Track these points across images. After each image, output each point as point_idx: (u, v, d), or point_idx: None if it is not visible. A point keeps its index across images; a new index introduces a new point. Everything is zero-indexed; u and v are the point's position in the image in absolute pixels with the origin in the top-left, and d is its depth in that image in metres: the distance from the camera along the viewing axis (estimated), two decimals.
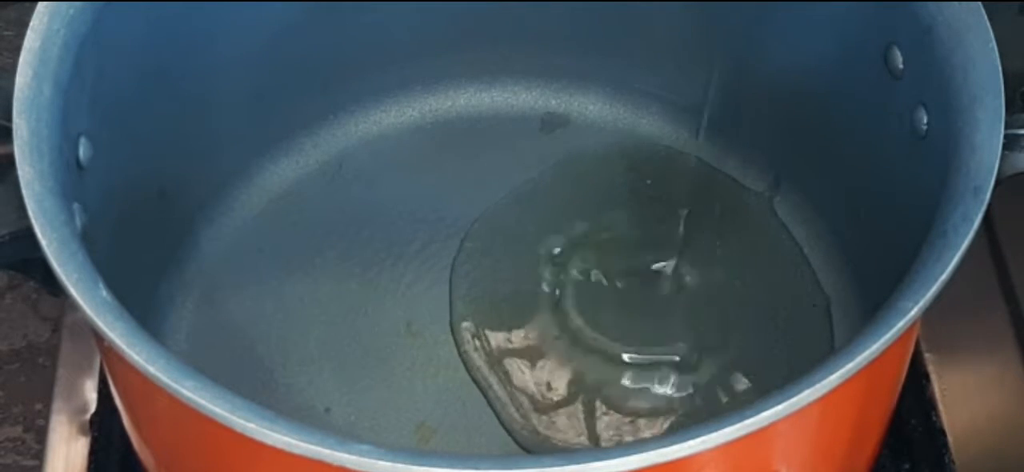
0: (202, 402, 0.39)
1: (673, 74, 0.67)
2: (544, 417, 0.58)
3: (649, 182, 0.66)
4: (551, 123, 0.69)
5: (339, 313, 0.61)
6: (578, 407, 0.58)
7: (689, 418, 0.58)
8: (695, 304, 0.61)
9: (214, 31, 0.59)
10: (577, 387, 0.59)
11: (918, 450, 0.58)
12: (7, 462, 0.66)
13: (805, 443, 0.44)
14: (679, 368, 0.59)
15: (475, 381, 0.59)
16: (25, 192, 0.44)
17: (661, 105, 0.68)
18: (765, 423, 0.39)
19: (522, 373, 0.59)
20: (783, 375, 0.54)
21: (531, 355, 0.60)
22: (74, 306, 0.42)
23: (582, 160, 0.67)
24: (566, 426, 0.58)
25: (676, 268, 0.62)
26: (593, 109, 0.69)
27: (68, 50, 0.48)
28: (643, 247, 0.63)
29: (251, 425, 0.38)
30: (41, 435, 0.62)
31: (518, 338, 0.60)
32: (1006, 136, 0.46)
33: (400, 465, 0.37)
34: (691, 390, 0.58)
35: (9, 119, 0.46)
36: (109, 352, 0.43)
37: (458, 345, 0.60)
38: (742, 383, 0.58)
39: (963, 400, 0.60)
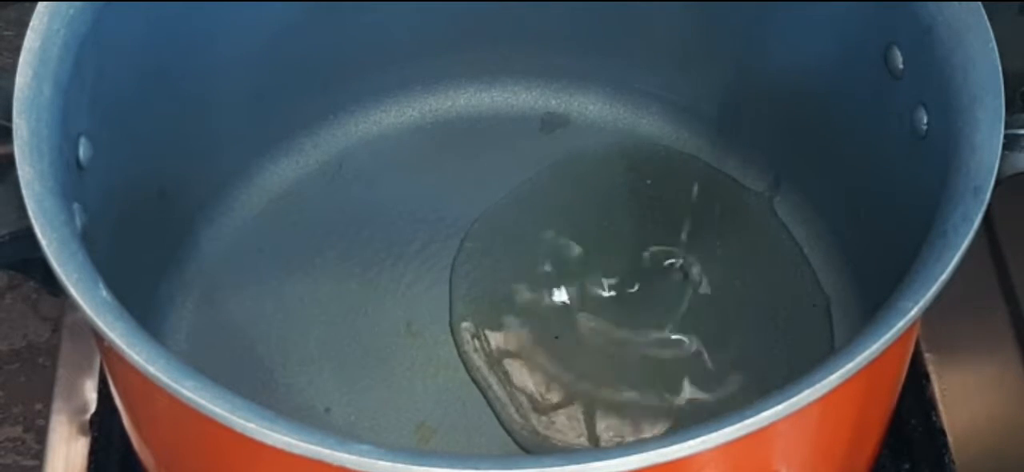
0: (202, 402, 0.39)
1: (673, 74, 0.67)
2: (544, 417, 0.58)
3: (649, 182, 0.66)
4: (551, 123, 0.69)
5: (339, 313, 0.61)
6: (578, 407, 0.58)
7: (689, 418, 0.58)
8: (695, 304, 0.61)
9: (214, 31, 0.59)
10: (577, 387, 0.59)
11: (918, 450, 0.58)
12: (7, 462, 0.66)
13: (805, 443, 0.44)
14: (679, 368, 0.59)
15: (475, 381, 0.59)
16: (25, 192, 0.44)
17: (661, 105, 0.68)
18: (765, 423, 0.39)
19: (522, 373, 0.59)
20: (783, 375, 0.54)
21: (531, 355, 0.60)
22: (74, 306, 0.42)
23: (582, 160, 0.67)
24: (566, 426, 0.58)
25: (676, 268, 0.62)
26: (593, 109, 0.69)
27: (68, 50, 0.48)
28: (643, 247, 0.63)
29: (251, 425, 0.38)
30: (41, 435, 0.62)
31: (518, 338, 0.60)
32: (1006, 136, 0.46)
33: (400, 465, 0.37)
34: (691, 390, 0.58)
35: (9, 119, 0.46)
36: (109, 352, 0.43)
37: (458, 345, 0.60)
38: (742, 383, 0.58)
39: (963, 400, 0.60)
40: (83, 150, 0.50)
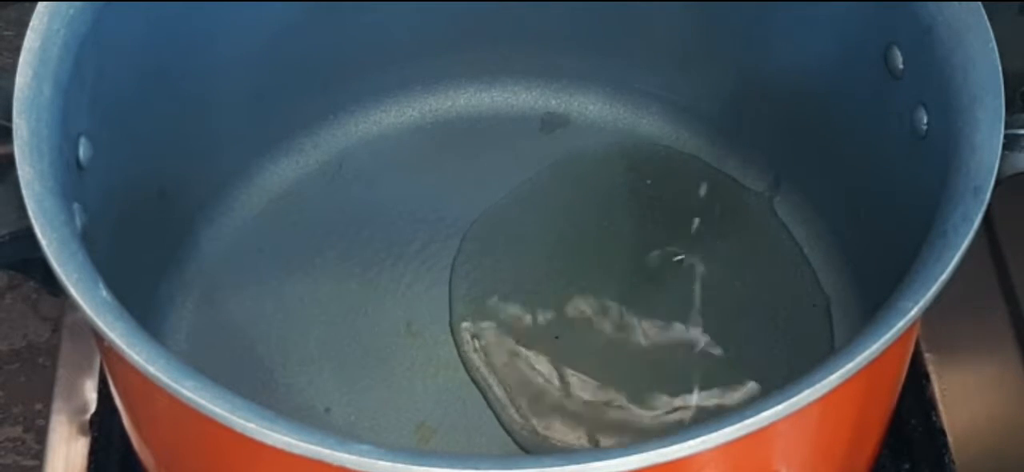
0: (202, 402, 0.39)
1: (673, 74, 0.67)
2: (544, 417, 0.58)
3: (649, 182, 0.66)
4: (551, 123, 0.69)
5: (339, 313, 0.61)
6: (578, 407, 0.58)
7: (689, 418, 0.58)
8: (695, 304, 0.61)
9: (214, 31, 0.59)
10: (577, 387, 0.59)
11: (918, 450, 0.58)
12: (7, 462, 0.66)
13: (805, 443, 0.44)
14: (679, 368, 0.59)
15: (475, 381, 0.59)
16: (25, 192, 0.44)
17: (661, 105, 0.68)
18: (765, 423, 0.39)
19: (522, 373, 0.59)
20: (783, 375, 0.54)
21: (531, 355, 0.60)
22: (74, 306, 0.42)
23: (582, 160, 0.67)
24: (566, 426, 0.58)
25: (676, 269, 0.62)
26: (593, 109, 0.69)
27: (68, 50, 0.48)
28: (643, 248, 0.63)
29: (251, 425, 0.38)
30: (41, 435, 0.61)
31: (518, 338, 0.60)
32: (1006, 136, 0.46)
33: (400, 465, 0.37)
34: (691, 390, 0.58)
35: (9, 119, 0.46)
36: (109, 352, 0.43)
37: (458, 345, 0.60)
38: (742, 383, 0.58)
39: (963, 400, 0.60)
40: (83, 150, 0.50)
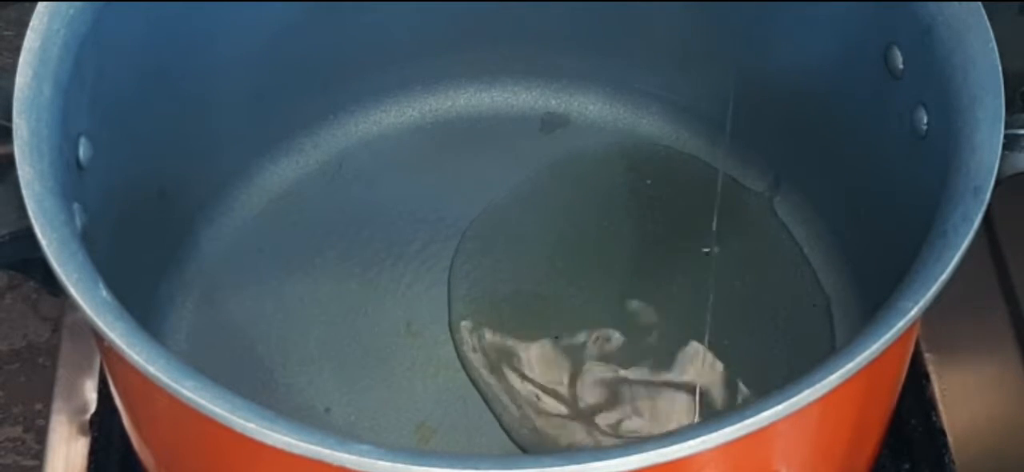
0: (202, 402, 0.39)
1: (673, 74, 0.67)
2: (544, 417, 0.58)
3: (649, 182, 0.66)
4: (551, 123, 0.69)
5: (339, 313, 0.61)
6: (578, 407, 0.58)
7: (689, 418, 0.58)
8: (695, 304, 0.61)
9: (214, 31, 0.59)
10: (576, 387, 0.59)
11: (918, 450, 0.58)
12: (7, 462, 0.66)
13: (805, 443, 0.44)
14: (680, 368, 0.59)
15: (474, 381, 0.59)
16: (25, 192, 0.44)
17: (661, 105, 0.68)
18: (765, 423, 0.39)
19: (522, 373, 0.59)
20: (783, 375, 0.54)
21: (531, 355, 0.60)
22: (74, 306, 0.42)
23: (582, 160, 0.67)
24: (566, 426, 0.58)
25: (676, 269, 0.62)
26: (593, 109, 0.69)
27: (68, 50, 0.48)
28: (643, 248, 0.63)
29: (251, 425, 0.38)
30: (41, 435, 0.61)
31: (518, 338, 0.60)
32: (1006, 136, 0.46)
33: (400, 465, 0.37)
34: (691, 390, 0.58)
35: (9, 119, 0.46)
36: (109, 352, 0.43)
37: (458, 345, 0.60)
38: (742, 383, 0.58)
39: (963, 400, 0.60)
40: (83, 150, 0.50)
